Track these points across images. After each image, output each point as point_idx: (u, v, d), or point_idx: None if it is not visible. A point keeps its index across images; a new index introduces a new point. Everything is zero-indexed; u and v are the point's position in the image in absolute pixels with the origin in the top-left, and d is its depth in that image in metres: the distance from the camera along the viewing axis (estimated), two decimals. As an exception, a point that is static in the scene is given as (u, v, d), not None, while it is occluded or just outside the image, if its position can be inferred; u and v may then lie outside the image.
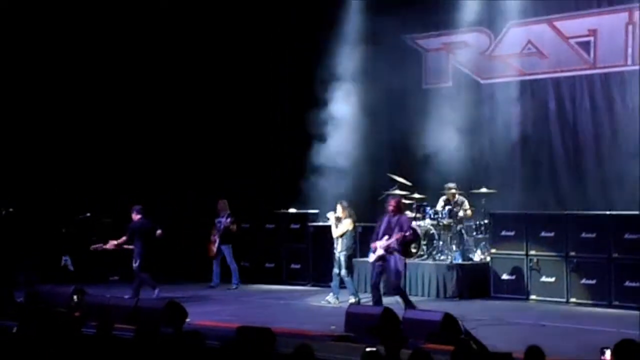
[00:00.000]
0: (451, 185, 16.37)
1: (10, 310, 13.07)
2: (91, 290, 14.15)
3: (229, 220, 17.57)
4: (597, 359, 7.46)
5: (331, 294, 15.23)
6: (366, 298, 15.05)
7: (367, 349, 6.98)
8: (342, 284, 15.19)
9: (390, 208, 13.73)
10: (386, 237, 13.55)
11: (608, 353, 7.23)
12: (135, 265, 15.20)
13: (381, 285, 14.11)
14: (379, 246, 13.61)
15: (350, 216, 15.12)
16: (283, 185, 18.98)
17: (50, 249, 18.34)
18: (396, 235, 13.48)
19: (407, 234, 13.68)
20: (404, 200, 15.57)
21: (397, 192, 16.28)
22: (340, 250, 15.10)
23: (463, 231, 16.18)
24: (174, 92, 19.47)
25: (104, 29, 18.84)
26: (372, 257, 13.82)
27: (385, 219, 13.78)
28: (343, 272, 15.03)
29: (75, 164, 18.86)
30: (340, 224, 15.11)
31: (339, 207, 15.17)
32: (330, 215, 15.29)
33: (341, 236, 15.09)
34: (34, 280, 16.76)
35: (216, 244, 17.63)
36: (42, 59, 18.48)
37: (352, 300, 14.61)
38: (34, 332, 7.64)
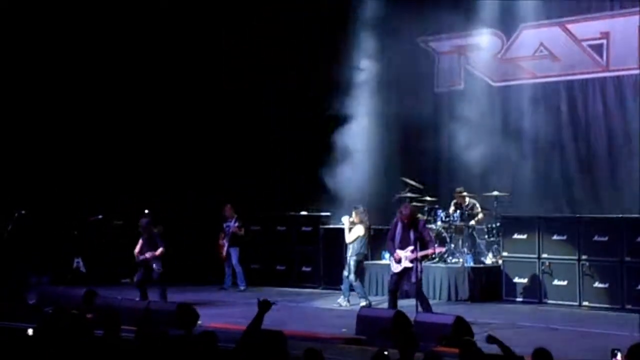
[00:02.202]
0: (462, 188, 16.35)
1: (23, 312, 13.13)
2: (103, 293, 14.17)
3: (236, 224, 17.64)
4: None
5: (342, 296, 15.22)
6: (377, 300, 15.03)
7: (378, 352, 6.97)
8: (351, 287, 15.17)
9: (406, 221, 13.20)
10: (410, 248, 13.06)
11: (619, 355, 7.20)
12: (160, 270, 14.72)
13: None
14: (404, 257, 13.14)
15: (362, 222, 15.01)
16: (294, 187, 18.93)
17: (62, 251, 18.37)
18: (431, 250, 13.44)
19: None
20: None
21: (409, 194, 16.27)
22: (350, 255, 15.06)
23: (475, 234, 16.15)
24: (175, 93, 19.45)
25: (107, 33, 18.86)
26: (397, 268, 13.25)
27: (399, 226, 13.32)
28: (351, 276, 14.97)
29: (87, 166, 18.90)
30: (353, 229, 15.05)
31: (353, 213, 15.10)
32: (345, 220, 15.23)
33: (352, 242, 15.04)
34: (45, 282, 16.81)
35: (225, 248, 17.71)
36: (53, 64, 18.52)
37: (363, 303, 14.55)
38: (47, 334, 7.65)
